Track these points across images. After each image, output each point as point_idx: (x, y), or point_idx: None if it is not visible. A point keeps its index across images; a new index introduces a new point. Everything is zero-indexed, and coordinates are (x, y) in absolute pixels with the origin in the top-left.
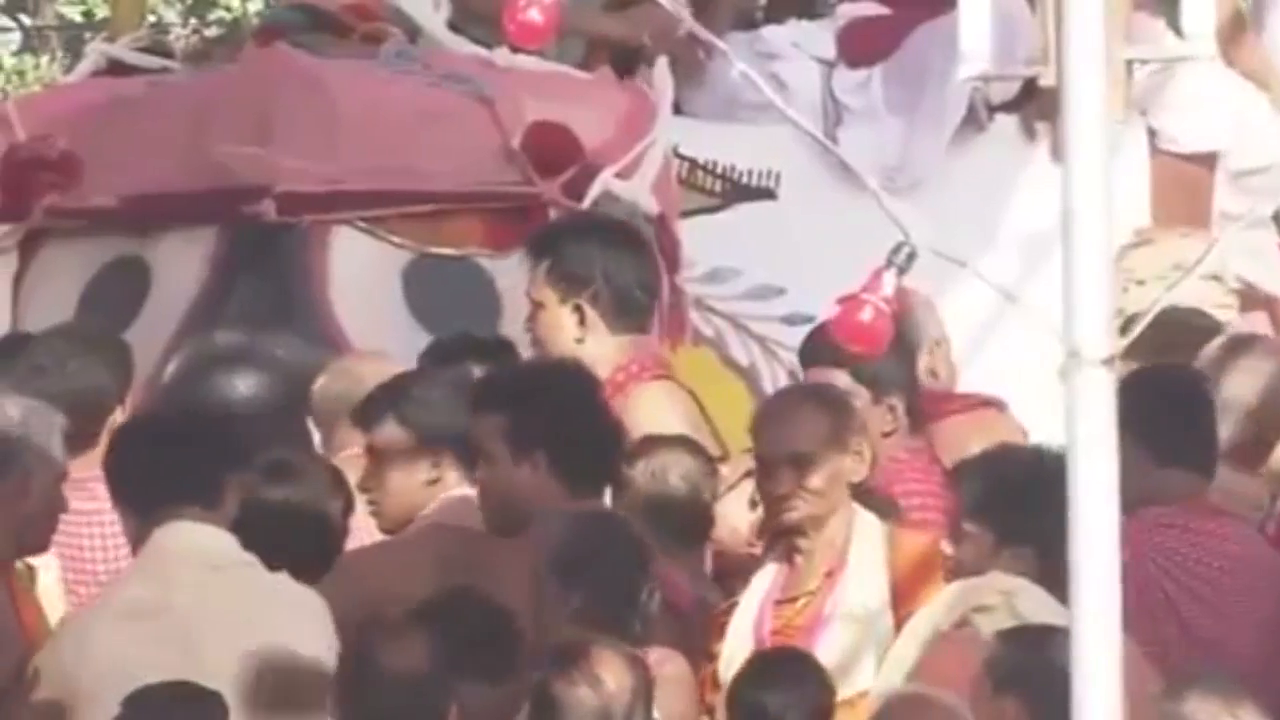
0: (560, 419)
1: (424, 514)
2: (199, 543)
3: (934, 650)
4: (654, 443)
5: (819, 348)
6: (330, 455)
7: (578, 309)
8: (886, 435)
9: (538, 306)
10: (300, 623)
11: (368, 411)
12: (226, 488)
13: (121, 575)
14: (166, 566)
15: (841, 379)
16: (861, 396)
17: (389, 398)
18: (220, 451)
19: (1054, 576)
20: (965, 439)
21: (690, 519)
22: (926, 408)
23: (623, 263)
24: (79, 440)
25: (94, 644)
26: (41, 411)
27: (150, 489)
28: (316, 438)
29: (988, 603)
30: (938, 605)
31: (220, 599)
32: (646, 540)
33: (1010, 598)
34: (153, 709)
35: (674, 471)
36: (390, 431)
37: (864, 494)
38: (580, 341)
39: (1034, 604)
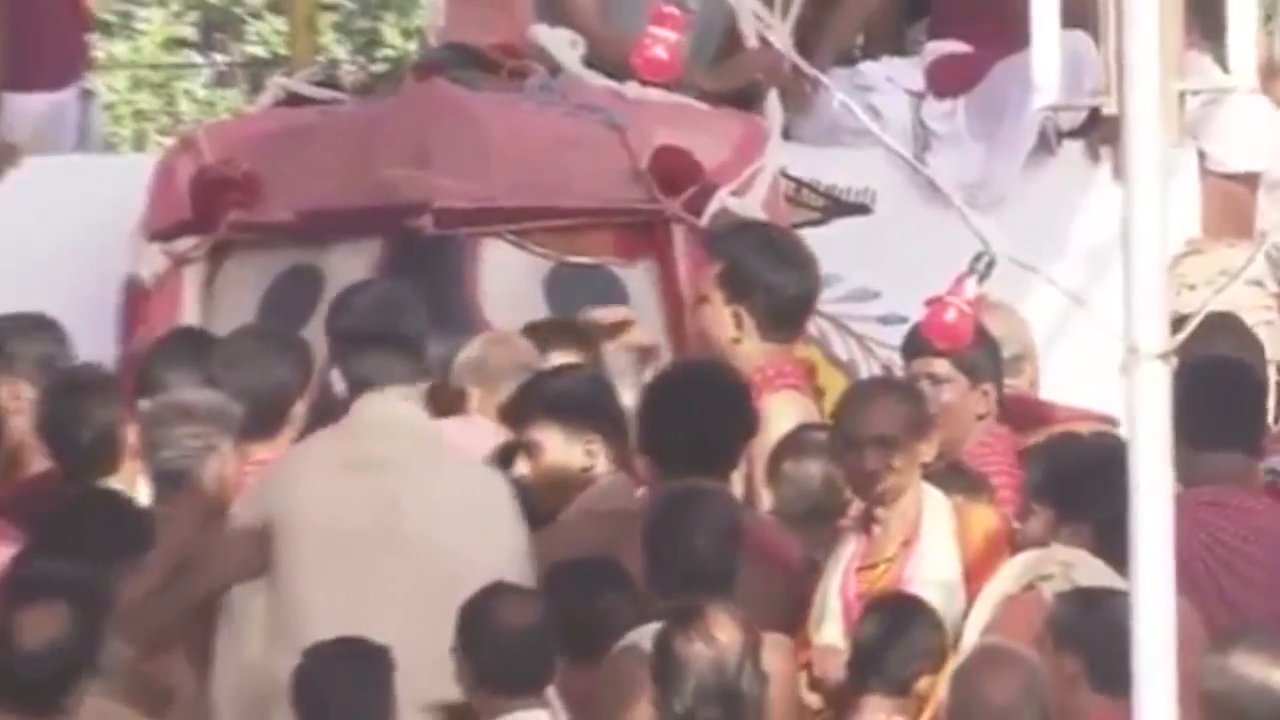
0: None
1: (582, 497)
2: (400, 413)
3: (1002, 612)
4: (800, 444)
5: (922, 341)
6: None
7: (737, 314)
8: (980, 418)
9: (703, 300)
10: (493, 500)
11: (519, 409)
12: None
13: (326, 433)
14: (378, 429)
15: (943, 367)
16: (960, 382)
17: (538, 395)
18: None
19: (1107, 549)
20: None
21: (825, 509)
22: (1044, 415)
23: (786, 281)
24: (263, 429)
25: (303, 484)
26: (221, 404)
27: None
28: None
29: (1048, 572)
30: (1006, 573)
31: (422, 464)
32: (740, 513)
33: (1068, 568)
34: (330, 660)
35: (814, 469)
36: (542, 427)
37: (959, 471)
38: (736, 341)
39: (1089, 573)
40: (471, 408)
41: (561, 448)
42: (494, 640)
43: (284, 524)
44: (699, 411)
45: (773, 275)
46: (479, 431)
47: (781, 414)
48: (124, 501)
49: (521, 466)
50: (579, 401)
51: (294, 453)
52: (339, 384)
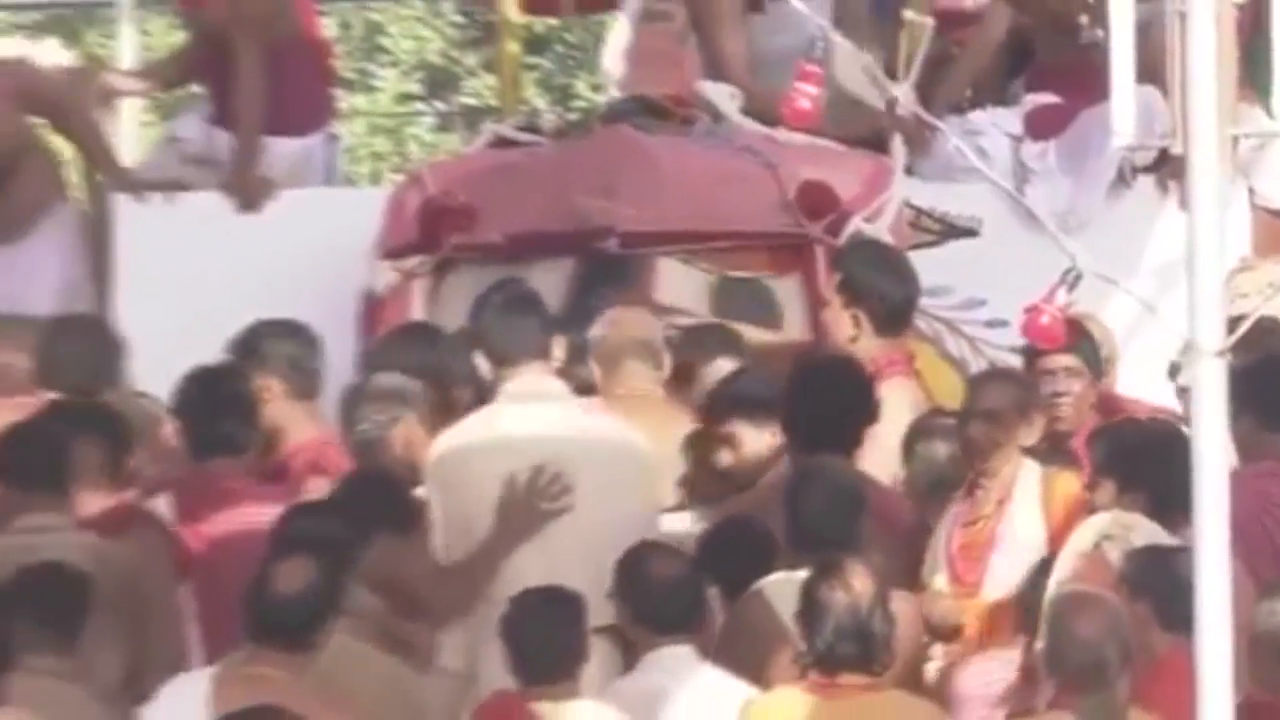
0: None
1: (770, 474)
2: (547, 388)
3: (1076, 566)
4: (929, 428)
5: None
6: (609, 393)
7: (855, 316)
8: (1092, 406)
9: (826, 305)
10: (630, 465)
11: (716, 407)
12: None
13: (478, 416)
14: (530, 407)
15: (1073, 361)
16: (1086, 375)
17: (731, 397)
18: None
19: (1159, 513)
20: None
21: (948, 482)
22: (1119, 407)
23: (895, 288)
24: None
25: (473, 473)
26: (402, 384)
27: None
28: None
29: (1112, 533)
30: (1080, 534)
31: (580, 437)
32: (858, 486)
33: (1128, 530)
34: (532, 606)
35: (940, 449)
36: (737, 423)
37: (1060, 450)
38: (854, 339)
39: (1145, 534)
40: (598, 385)
41: (754, 438)
42: (644, 588)
43: (462, 517)
44: (831, 398)
45: (882, 284)
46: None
47: (893, 396)
48: (389, 478)
49: (726, 457)
50: (762, 400)
51: (461, 444)
52: (483, 365)
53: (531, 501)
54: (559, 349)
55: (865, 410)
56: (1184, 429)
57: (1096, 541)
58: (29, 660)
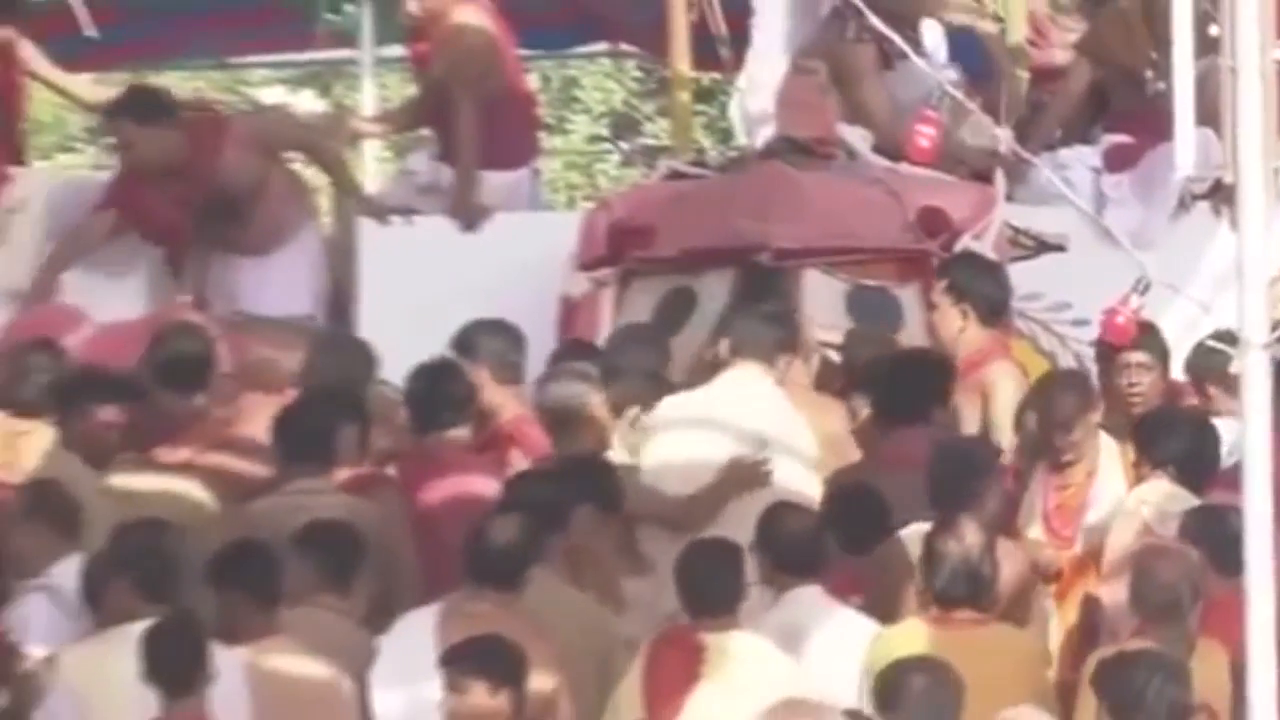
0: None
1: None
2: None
3: (1119, 524)
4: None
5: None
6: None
7: (963, 310)
8: (1161, 393)
9: (934, 307)
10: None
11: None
12: None
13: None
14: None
15: (1146, 358)
16: (1157, 369)
17: (867, 381)
18: None
19: (1184, 481)
20: None
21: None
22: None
23: (991, 288)
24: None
25: (655, 444)
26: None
27: None
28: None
29: (1148, 499)
30: (1129, 500)
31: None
32: (979, 456)
33: (1164, 497)
34: (702, 552)
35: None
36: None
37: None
38: (962, 330)
39: (1176, 501)
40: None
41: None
42: (780, 538)
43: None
44: (914, 381)
45: (982, 284)
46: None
47: (1000, 375)
48: (595, 460)
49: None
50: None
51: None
52: (724, 350)
53: (745, 470)
54: (723, 348)
55: (942, 390)
56: (1205, 414)
57: (1135, 506)
58: (312, 597)
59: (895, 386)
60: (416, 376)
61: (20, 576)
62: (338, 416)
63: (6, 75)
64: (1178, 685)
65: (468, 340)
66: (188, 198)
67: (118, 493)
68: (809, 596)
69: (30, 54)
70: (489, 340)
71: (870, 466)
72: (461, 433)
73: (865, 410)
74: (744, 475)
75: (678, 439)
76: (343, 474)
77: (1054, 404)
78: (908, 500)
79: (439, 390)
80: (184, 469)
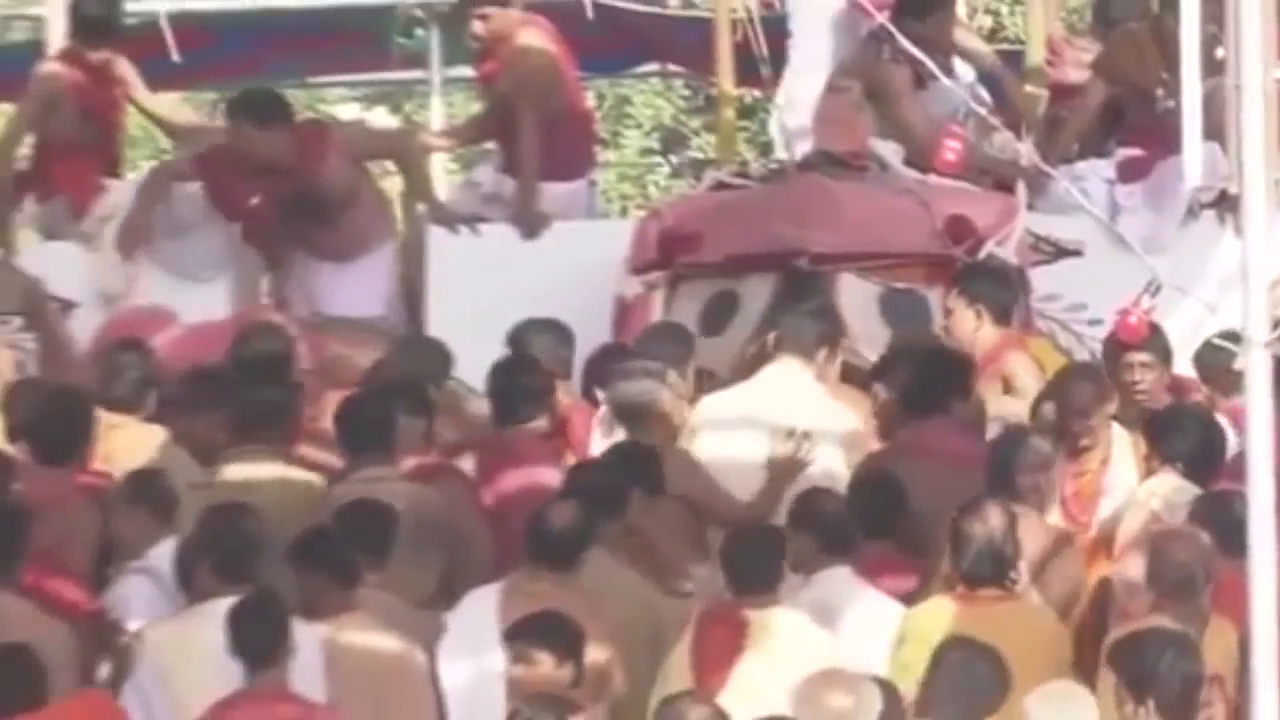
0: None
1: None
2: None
3: (1130, 513)
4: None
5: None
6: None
7: (978, 311)
8: (1166, 388)
9: (951, 311)
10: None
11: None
12: None
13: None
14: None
15: (1148, 357)
16: (1159, 367)
17: (888, 373)
18: None
19: (1191, 474)
20: None
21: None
22: (1185, 388)
23: (1000, 291)
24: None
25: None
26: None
27: None
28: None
29: (1157, 491)
30: (1139, 491)
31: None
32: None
33: (1172, 490)
34: (745, 535)
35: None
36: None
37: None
38: (977, 329)
39: (1183, 493)
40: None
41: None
42: (812, 520)
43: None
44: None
45: (990, 289)
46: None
47: (1017, 362)
48: (645, 450)
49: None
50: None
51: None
52: (771, 345)
53: (794, 465)
54: (771, 340)
55: (964, 384)
56: (1212, 411)
57: (1146, 498)
58: (368, 577)
59: (918, 380)
60: (497, 372)
61: (122, 559)
62: (397, 409)
63: (107, 94)
64: (1189, 659)
65: (520, 337)
66: (278, 193)
67: (214, 483)
68: (840, 576)
69: (128, 74)
70: (540, 337)
71: (894, 456)
72: (540, 424)
73: (883, 395)
74: (794, 469)
75: (724, 432)
76: (409, 463)
77: (1073, 393)
78: (929, 488)
79: (519, 384)
80: (269, 459)
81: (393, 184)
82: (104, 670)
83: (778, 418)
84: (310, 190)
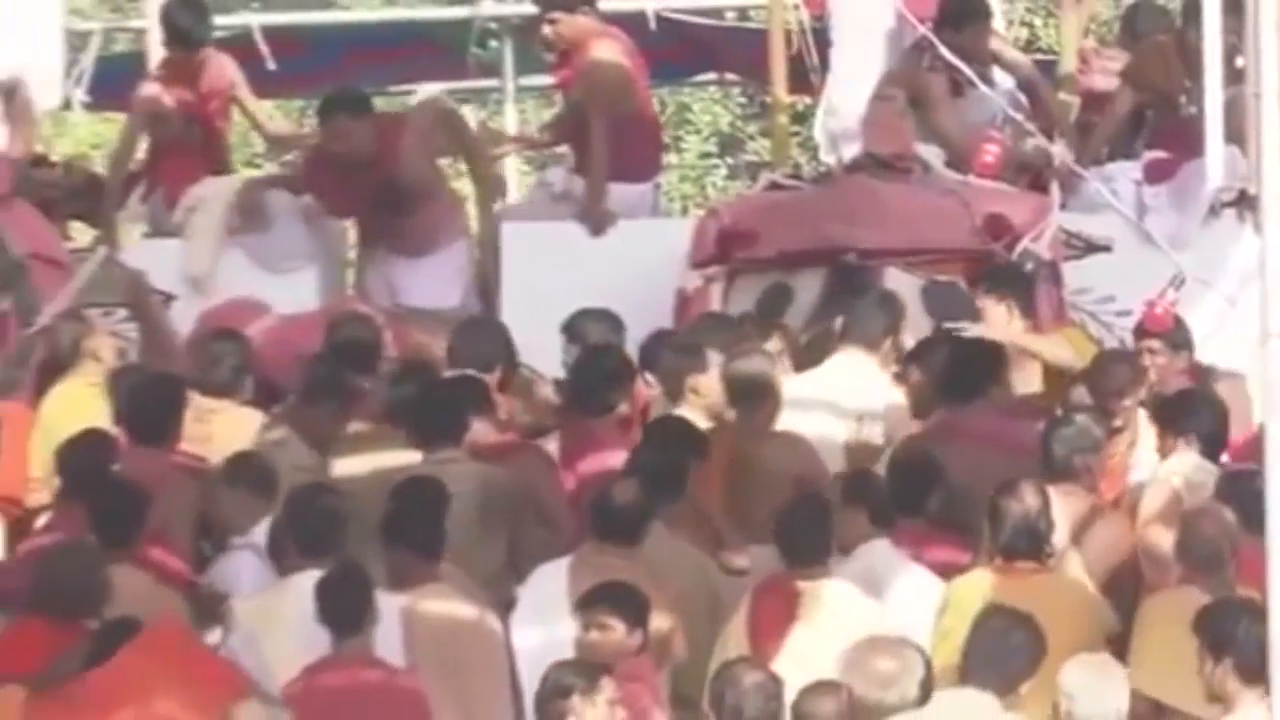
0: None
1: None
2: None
3: (1151, 490)
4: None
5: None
6: None
7: (1008, 308)
8: (1182, 373)
9: (984, 309)
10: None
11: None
12: None
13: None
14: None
15: (1159, 345)
16: (1168, 355)
17: (921, 353)
18: None
19: (1206, 454)
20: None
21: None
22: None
23: (1023, 287)
24: None
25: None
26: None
27: None
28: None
29: (1177, 470)
30: (1162, 469)
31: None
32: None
33: (1188, 468)
34: (795, 510)
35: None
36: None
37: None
38: (1009, 322)
39: (1200, 473)
40: None
41: None
42: (858, 496)
43: None
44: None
45: (1014, 286)
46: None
47: (1041, 343)
48: (685, 424)
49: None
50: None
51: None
52: (838, 333)
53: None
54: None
55: (993, 373)
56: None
57: (1166, 474)
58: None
59: (956, 367)
60: (582, 361)
61: (226, 536)
62: (463, 397)
63: (206, 97)
64: (1261, 625)
65: (575, 326)
66: (368, 185)
67: (318, 466)
68: (881, 549)
69: (235, 75)
70: (594, 325)
71: (936, 437)
72: (621, 410)
73: (917, 377)
74: (870, 452)
75: (799, 414)
76: (488, 441)
77: (1109, 375)
78: (970, 468)
79: (602, 373)
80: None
81: (465, 184)
82: (214, 636)
83: (849, 402)
84: (391, 180)
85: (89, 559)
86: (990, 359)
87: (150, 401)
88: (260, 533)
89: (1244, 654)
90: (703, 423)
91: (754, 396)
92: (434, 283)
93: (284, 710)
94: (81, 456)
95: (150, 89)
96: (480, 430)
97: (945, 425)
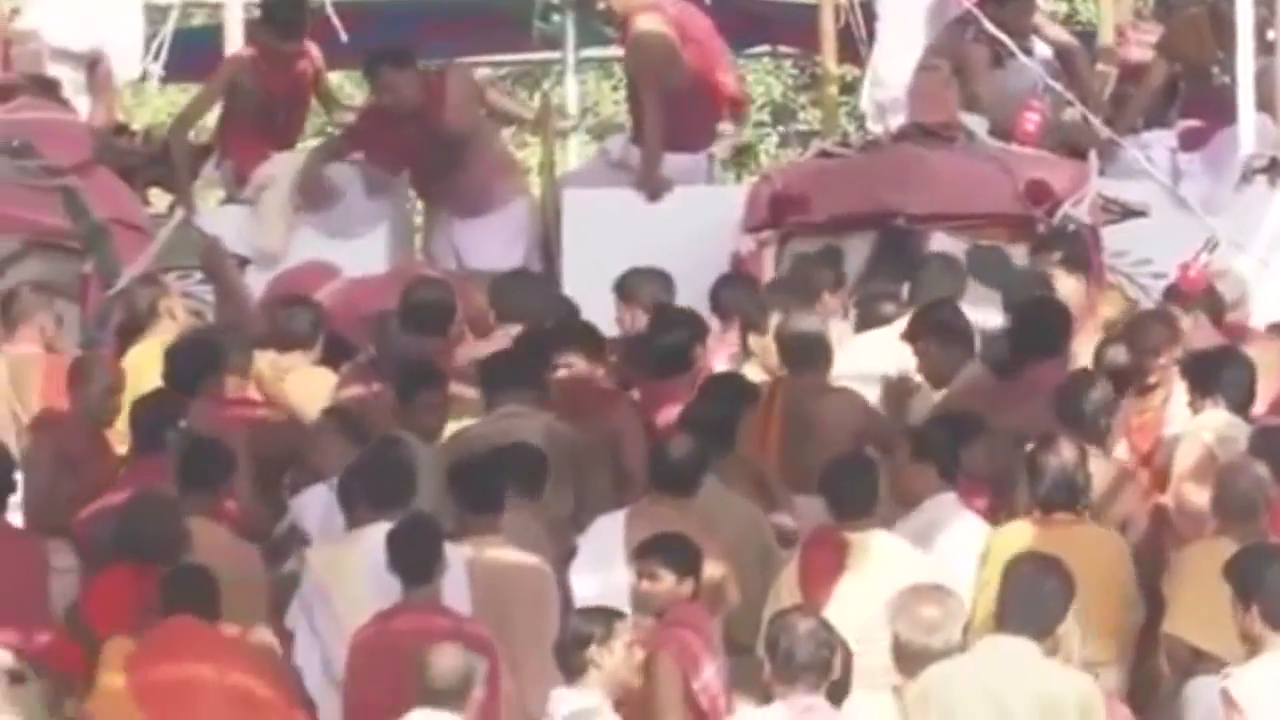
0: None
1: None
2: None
3: (1184, 445)
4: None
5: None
6: None
7: (1076, 277)
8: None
9: (1054, 277)
10: None
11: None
12: None
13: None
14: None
15: (1179, 311)
16: (1198, 319)
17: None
18: None
19: (1235, 411)
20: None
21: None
22: (1243, 334)
23: (1085, 253)
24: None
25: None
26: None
27: None
28: None
29: (1208, 425)
30: (1193, 424)
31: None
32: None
33: (1220, 424)
34: (843, 464)
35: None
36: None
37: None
38: (1076, 289)
39: (1231, 426)
40: None
41: None
42: (928, 451)
43: None
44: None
45: (1077, 251)
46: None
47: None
48: (737, 379)
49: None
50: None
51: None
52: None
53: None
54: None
55: (1063, 331)
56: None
57: (1195, 429)
58: (513, 502)
59: (1031, 325)
60: (656, 325)
61: (313, 479)
62: (549, 346)
63: (289, 80)
64: None
65: (627, 285)
66: (418, 135)
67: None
68: (949, 501)
69: (321, 64)
70: (645, 284)
71: (1011, 394)
72: (697, 368)
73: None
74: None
75: (864, 377)
76: (586, 384)
77: (1147, 333)
78: (1043, 422)
79: (678, 334)
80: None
81: (528, 154)
82: (290, 565)
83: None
84: (439, 129)
85: (169, 509)
86: (1062, 317)
87: (183, 358)
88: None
89: (1271, 599)
90: (761, 379)
91: (806, 354)
92: (496, 244)
93: (480, 658)
94: (151, 413)
95: (237, 59)
96: (581, 368)
97: (1020, 381)
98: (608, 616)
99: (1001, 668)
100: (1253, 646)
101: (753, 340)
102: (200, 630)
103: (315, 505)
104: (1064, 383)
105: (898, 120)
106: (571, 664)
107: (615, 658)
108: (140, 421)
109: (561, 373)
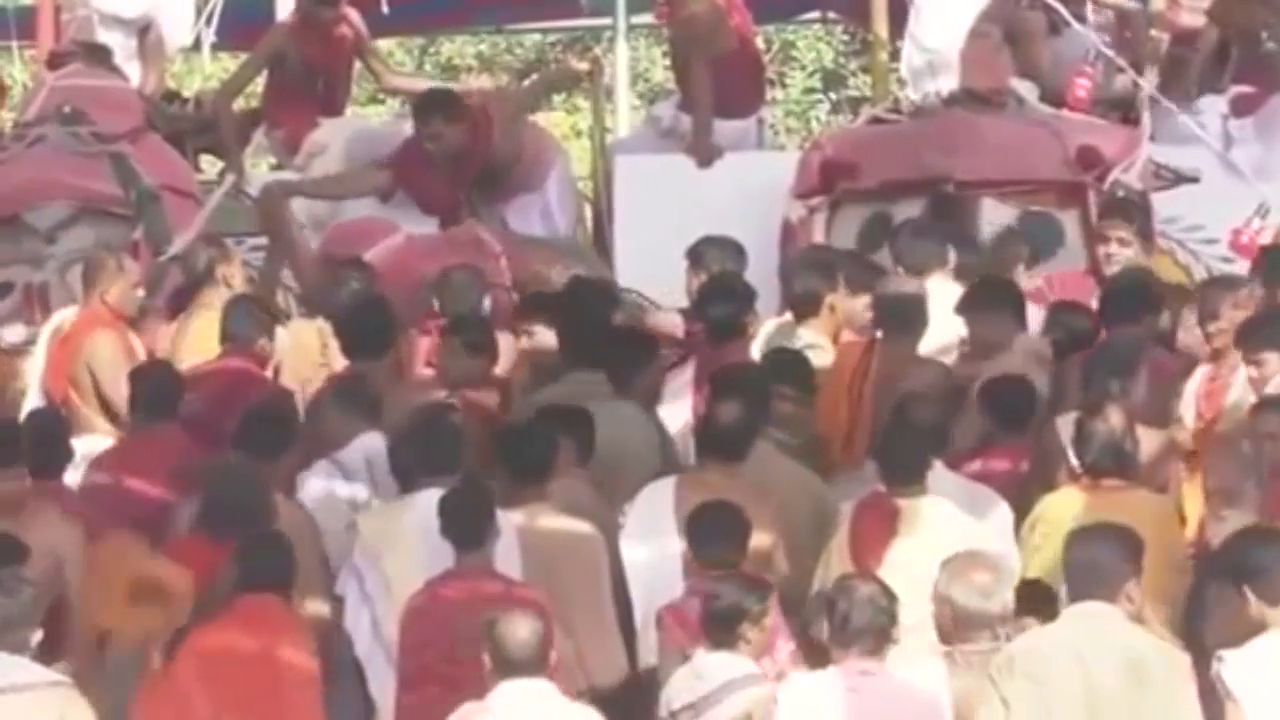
0: None
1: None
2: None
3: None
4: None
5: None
6: None
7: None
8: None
9: (1109, 240)
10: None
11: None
12: None
13: None
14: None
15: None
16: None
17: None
18: None
19: None
20: None
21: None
22: None
23: (1143, 217)
24: None
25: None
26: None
27: None
28: None
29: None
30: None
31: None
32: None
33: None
34: (894, 432)
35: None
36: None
37: None
38: (1127, 245)
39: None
40: None
41: None
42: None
43: None
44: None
45: (1137, 217)
46: None
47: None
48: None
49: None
50: None
51: None
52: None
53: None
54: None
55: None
56: None
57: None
58: (564, 469)
59: (1121, 297)
60: (708, 294)
61: (324, 450)
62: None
63: (332, 50)
64: None
65: (698, 253)
66: (463, 177)
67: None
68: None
69: (363, 30)
70: (716, 252)
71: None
72: (751, 333)
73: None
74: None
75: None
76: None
77: (1207, 297)
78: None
79: (734, 297)
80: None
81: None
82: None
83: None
84: (485, 164)
85: (255, 479)
86: (1150, 289)
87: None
88: (354, 449)
89: (1264, 579)
90: (825, 342)
91: (907, 313)
92: (540, 215)
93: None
94: (151, 385)
95: (280, 28)
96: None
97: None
98: (761, 593)
99: (1088, 634)
100: (1253, 631)
101: (832, 297)
102: (278, 609)
103: (315, 479)
104: (1088, 352)
105: (937, 86)
106: (722, 636)
107: (761, 634)
108: (139, 395)
109: (524, 341)
